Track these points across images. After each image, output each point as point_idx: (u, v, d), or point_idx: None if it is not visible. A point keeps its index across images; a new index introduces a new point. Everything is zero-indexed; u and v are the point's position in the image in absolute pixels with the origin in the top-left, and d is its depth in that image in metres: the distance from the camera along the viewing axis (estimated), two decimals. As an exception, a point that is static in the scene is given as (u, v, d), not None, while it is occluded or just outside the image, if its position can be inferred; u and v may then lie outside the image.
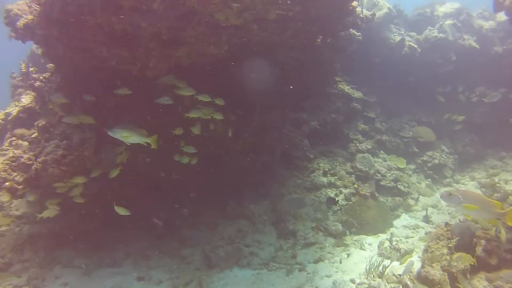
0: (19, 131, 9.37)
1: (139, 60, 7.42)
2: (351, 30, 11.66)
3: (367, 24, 11.59)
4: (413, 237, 10.56)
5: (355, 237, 10.47)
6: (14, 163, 7.93)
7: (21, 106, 9.62)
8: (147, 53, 7.46)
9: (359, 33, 12.31)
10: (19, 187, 7.65)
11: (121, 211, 7.46)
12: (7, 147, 8.71)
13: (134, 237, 10.36)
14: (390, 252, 9.45)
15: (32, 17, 8.02)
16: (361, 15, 10.91)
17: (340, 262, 9.45)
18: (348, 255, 9.74)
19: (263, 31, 8.39)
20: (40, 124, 8.81)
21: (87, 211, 9.51)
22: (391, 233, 10.56)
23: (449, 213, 11.89)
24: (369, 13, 11.80)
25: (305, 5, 7.60)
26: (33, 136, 9.06)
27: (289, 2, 7.21)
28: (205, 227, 10.30)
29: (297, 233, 10.07)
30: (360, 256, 9.71)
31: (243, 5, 6.93)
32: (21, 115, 9.58)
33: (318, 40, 10.35)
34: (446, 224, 8.49)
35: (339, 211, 10.80)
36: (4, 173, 7.65)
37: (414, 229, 10.89)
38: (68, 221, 10.28)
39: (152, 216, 10.18)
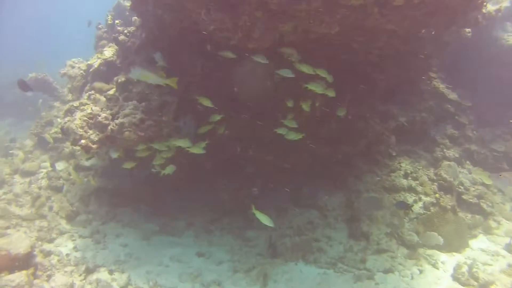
0: (98, 84, 8.56)
1: (242, 29, 6.23)
2: (464, 25, 9.94)
3: (488, 22, 9.81)
4: (492, 265, 9.04)
5: (428, 252, 9.08)
6: (91, 120, 7.07)
7: (103, 59, 8.76)
8: (252, 22, 6.24)
9: (469, 29, 10.53)
10: (93, 146, 6.78)
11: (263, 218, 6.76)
12: (86, 101, 7.87)
13: (199, 209, 9.47)
14: (467, 280, 8.07)
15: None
16: (483, 10, 9.16)
17: (412, 278, 8.17)
18: (421, 271, 8.40)
19: (382, 16, 6.93)
20: (119, 80, 7.94)
21: (154, 174, 8.65)
22: (469, 257, 9.10)
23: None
24: (494, 8, 9.94)
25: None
26: (111, 91, 8.16)
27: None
28: (273, 211, 9.22)
29: (370, 236, 8.83)
30: (433, 275, 8.36)
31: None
32: (102, 68, 8.75)
33: (423, 31, 8.79)
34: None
35: (415, 220, 9.44)
36: (81, 130, 6.84)
37: (493, 256, 9.34)
38: (134, 180, 9.54)
39: (221, 191, 9.23)
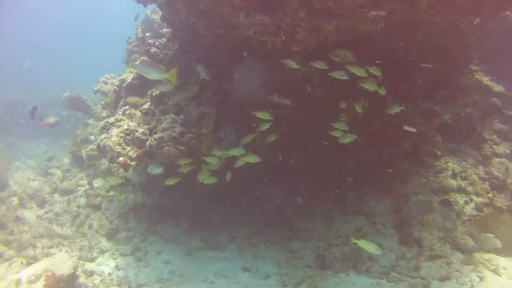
0: (132, 99, 8.11)
1: (285, 31, 5.63)
2: (507, 11, 9.09)
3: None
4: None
5: (486, 256, 8.25)
6: (128, 136, 6.59)
7: (136, 73, 8.28)
8: (295, 23, 5.64)
9: (516, 14, 9.62)
10: (132, 163, 6.28)
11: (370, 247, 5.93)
12: (121, 117, 7.41)
13: (241, 222, 8.88)
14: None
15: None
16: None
17: (472, 286, 7.38)
18: (481, 278, 7.58)
19: (431, 7, 6.22)
20: (154, 94, 7.44)
21: (193, 187, 8.09)
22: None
23: None
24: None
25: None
26: (146, 105, 7.68)
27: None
28: (319, 219, 8.57)
29: (422, 242, 8.06)
30: (496, 283, 7.52)
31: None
32: (135, 82, 8.29)
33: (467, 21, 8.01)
34: None
35: (468, 222, 8.61)
36: (118, 147, 6.36)
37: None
38: (174, 195, 9.03)
39: (264, 201, 8.63)
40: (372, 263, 7.83)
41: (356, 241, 5.81)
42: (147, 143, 6.43)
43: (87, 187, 9.93)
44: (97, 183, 10.13)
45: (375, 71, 6.59)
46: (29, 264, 7.82)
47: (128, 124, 6.73)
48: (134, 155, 6.46)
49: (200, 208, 8.94)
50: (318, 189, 8.71)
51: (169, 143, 6.24)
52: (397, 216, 8.56)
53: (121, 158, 6.39)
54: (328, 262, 7.79)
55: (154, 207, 9.20)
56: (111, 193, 9.63)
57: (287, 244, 8.37)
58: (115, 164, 6.50)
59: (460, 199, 8.94)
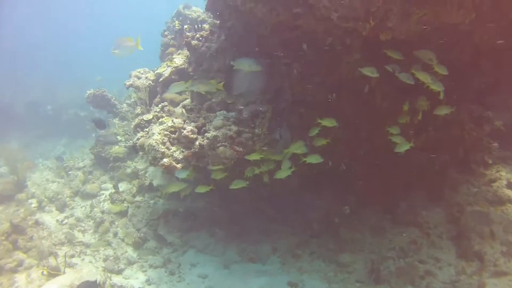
0: (169, 95, 6.81)
1: (374, 17, 4.38)
2: None
3: None
4: None
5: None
6: (173, 135, 5.25)
7: (174, 67, 6.98)
8: (387, 7, 4.39)
9: None
10: (178, 165, 4.94)
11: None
12: (160, 114, 6.09)
13: (283, 232, 7.56)
14: None
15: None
16: None
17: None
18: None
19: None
20: (196, 90, 6.10)
21: (230, 193, 6.77)
22: None
23: None
24: None
25: None
26: (186, 102, 6.39)
27: None
28: (368, 230, 7.28)
29: (484, 256, 6.79)
30: None
31: None
32: (173, 77, 7.00)
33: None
34: None
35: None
36: (162, 147, 5.00)
37: None
38: (208, 201, 7.70)
39: (308, 210, 7.33)
40: (431, 278, 6.57)
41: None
42: (197, 143, 5.11)
43: (112, 191, 8.55)
44: (122, 187, 8.75)
45: (442, 70, 5.43)
46: (50, 275, 6.46)
47: (173, 121, 5.41)
48: (181, 157, 5.14)
49: (237, 216, 7.59)
50: (367, 197, 7.41)
51: (224, 143, 4.94)
52: (452, 227, 7.30)
53: (165, 160, 5.08)
54: (382, 277, 6.49)
55: (187, 215, 7.86)
56: (138, 197, 8.26)
57: (334, 256, 7.11)
58: (158, 166, 5.16)
59: (517, 210, 7.67)
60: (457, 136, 7.75)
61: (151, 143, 5.18)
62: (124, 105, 10.85)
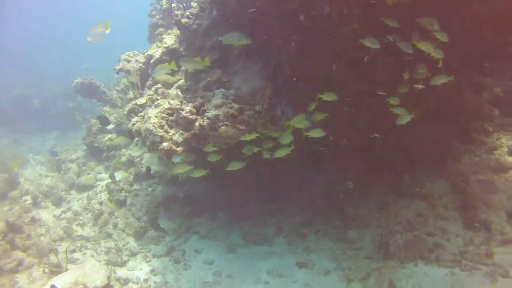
0: (162, 77, 6.39)
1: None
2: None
3: None
4: None
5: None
6: (171, 117, 4.88)
7: (164, 47, 6.55)
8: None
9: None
10: (178, 149, 4.59)
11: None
12: (154, 97, 5.70)
13: (286, 211, 7.29)
14: None
15: None
16: None
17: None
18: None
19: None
20: (189, 70, 5.72)
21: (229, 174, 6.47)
22: None
23: None
24: None
25: None
26: (180, 83, 5.99)
27: None
28: (373, 205, 7.05)
29: (490, 225, 6.62)
30: None
31: None
32: (164, 57, 6.57)
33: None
34: None
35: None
36: (160, 130, 4.63)
37: None
38: (208, 184, 7.38)
39: (311, 187, 7.05)
40: (440, 251, 6.41)
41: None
42: (196, 124, 4.75)
43: (108, 181, 8.16)
44: (118, 176, 8.36)
45: (443, 37, 5.10)
46: (52, 273, 6.13)
47: (169, 102, 5.02)
48: (180, 139, 4.77)
49: (238, 198, 7.29)
50: (370, 171, 7.15)
51: (226, 122, 4.59)
52: (456, 197, 7.09)
53: (165, 144, 4.72)
54: (391, 252, 6.31)
55: (187, 200, 7.54)
56: (136, 186, 7.90)
57: (340, 233, 6.90)
58: (157, 151, 4.80)
59: (520, 175, 7.48)
60: (457, 104, 7.50)
61: (149, 127, 4.81)
62: (114, 92, 10.34)
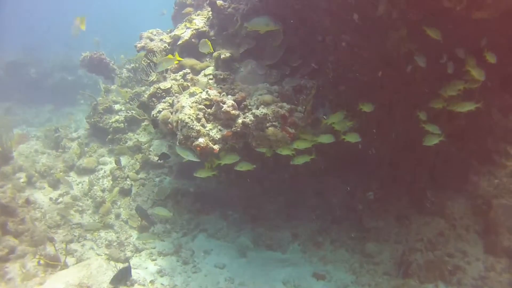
0: (189, 61, 5.55)
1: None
2: None
3: None
4: None
5: None
6: (209, 110, 4.08)
7: (194, 29, 5.68)
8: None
9: None
10: (215, 146, 3.80)
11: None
12: (183, 83, 4.86)
13: (301, 216, 6.60)
14: None
15: None
16: None
17: None
18: None
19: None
20: (222, 56, 4.93)
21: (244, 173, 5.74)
22: None
23: None
24: None
25: None
26: (208, 71, 5.17)
27: None
28: (392, 218, 6.46)
29: (514, 253, 6.15)
30: None
31: None
32: (193, 40, 5.67)
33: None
34: None
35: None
36: (197, 124, 3.82)
37: None
38: (221, 181, 6.64)
39: (331, 195, 6.40)
40: (460, 273, 5.87)
41: None
42: (239, 121, 3.97)
43: (114, 166, 7.26)
44: (122, 161, 7.47)
45: (491, 58, 4.52)
46: (48, 265, 5.26)
47: (207, 92, 4.21)
48: (218, 136, 3.98)
49: (253, 198, 6.57)
50: (391, 183, 6.55)
51: (274, 123, 3.83)
52: (477, 220, 6.56)
53: (201, 140, 3.92)
54: (411, 270, 5.74)
55: (197, 195, 6.75)
56: (142, 174, 7.05)
57: (357, 245, 6.25)
58: (191, 147, 3.99)
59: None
60: (485, 125, 6.98)
61: (183, 119, 4.00)
62: (124, 70, 9.35)
